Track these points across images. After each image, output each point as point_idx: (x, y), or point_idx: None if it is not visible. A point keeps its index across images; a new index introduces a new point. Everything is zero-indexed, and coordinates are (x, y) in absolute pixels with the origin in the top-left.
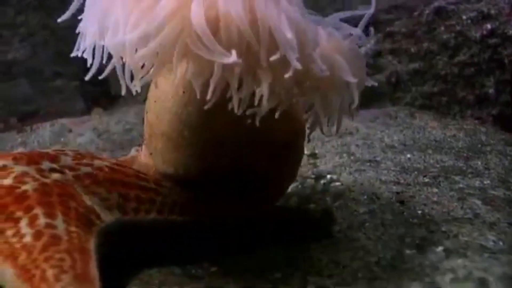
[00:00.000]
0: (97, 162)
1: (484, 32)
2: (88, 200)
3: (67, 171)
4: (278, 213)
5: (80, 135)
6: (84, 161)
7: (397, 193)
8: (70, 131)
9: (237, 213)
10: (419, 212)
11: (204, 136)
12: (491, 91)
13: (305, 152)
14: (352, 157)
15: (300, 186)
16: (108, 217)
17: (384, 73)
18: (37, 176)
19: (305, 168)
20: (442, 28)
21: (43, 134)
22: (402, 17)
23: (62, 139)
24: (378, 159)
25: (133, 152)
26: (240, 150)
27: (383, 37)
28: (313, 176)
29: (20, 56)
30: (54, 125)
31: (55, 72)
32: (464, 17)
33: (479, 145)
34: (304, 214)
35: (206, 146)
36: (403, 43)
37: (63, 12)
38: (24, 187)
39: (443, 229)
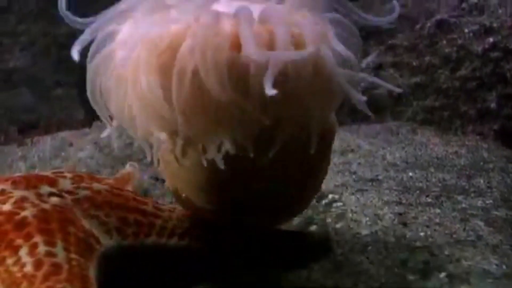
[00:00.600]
0: (95, 185)
1: (486, 46)
2: (87, 224)
3: (66, 195)
4: (276, 237)
5: (80, 149)
6: (83, 184)
7: (400, 214)
8: (71, 145)
9: (236, 237)
10: (422, 234)
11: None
12: (493, 105)
13: None
14: (354, 176)
15: None
16: (107, 241)
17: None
18: (36, 201)
19: None
20: (444, 41)
21: (43, 149)
22: (404, 27)
23: (62, 154)
24: (380, 178)
25: (128, 167)
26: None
27: (385, 50)
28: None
29: (21, 65)
30: (54, 139)
31: (56, 81)
32: (466, 30)
33: (481, 163)
34: (301, 238)
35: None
36: (405, 56)
37: (64, 21)
38: (23, 213)
39: (446, 252)
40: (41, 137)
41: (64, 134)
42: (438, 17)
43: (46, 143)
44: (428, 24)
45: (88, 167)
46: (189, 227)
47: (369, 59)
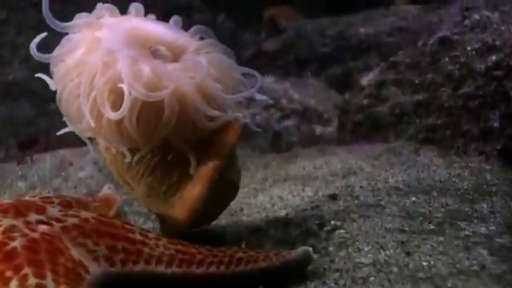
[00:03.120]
0: (83, 214)
1: (489, 64)
2: (76, 253)
3: (54, 222)
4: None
5: (81, 169)
6: (71, 212)
7: (402, 242)
8: (71, 164)
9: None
10: (425, 264)
11: None
12: (496, 124)
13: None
14: (356, 201)
15: (304, 233)
16: (96, 269)
17: (387, 104)
18: (25, 230)
19: (308, 213)
20: (447, 59)
21: (43, 167)
22: (406, 41)
23: (62, 173)
24: (382, 203)
25: (105, 189)
26: None
27: (387, 67)
28: (316, 222)
29: (20, 77)
30: (54, 157)
31: (56, 94)
32: (468, 48)
33: (484, 186)
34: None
35: None
36: (407, 74)
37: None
38: (13, 244)
39: (449, 284)
40: (40, 155)
41: (64, 152)
42: (441, 34)
43: (46, 162)
44: (431, 41)
45: (88, 187)
46: (175, 254)
47: (371, 76)
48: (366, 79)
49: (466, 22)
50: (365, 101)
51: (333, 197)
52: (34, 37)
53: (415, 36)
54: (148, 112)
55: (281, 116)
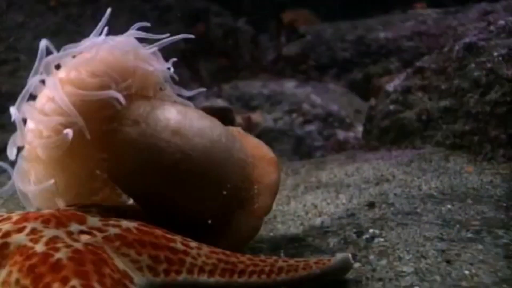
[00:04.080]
0: (124, 223)
1: None
2: (120, 263)
3: (96, 232)
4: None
5: None
6: (111, 221)
7: (443, 251)
8: None
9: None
10: (467, 272)
11: None
12: None
13: (343, 201)
14: (392, 209)
15: (343, 242)
16: (140, 280)
17: (414, 110)
18: (68, 240)
19: (344, 220)
20: (473, 65)
21: None
22: (425, 44)
23: None
24: (418, 210)
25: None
26: None
27: (413, 73)
28: (354, 230)
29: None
30: None
31: None
32: (495, 53)
33: None
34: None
35: None
36: (433, 79)
37: (81, 37)
38: (58, 255)
39: None
40: None
41: None
42: (467, 39)
43: None
44: (457, 47)
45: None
46: (217, 263)
47: (396, 82)
48: (392, 85)
49: (492, 27)
50: (391, 107)
51: (371, 205)
52: (51, 40)
53: (435, 41)
54: None
55: (304, 121)
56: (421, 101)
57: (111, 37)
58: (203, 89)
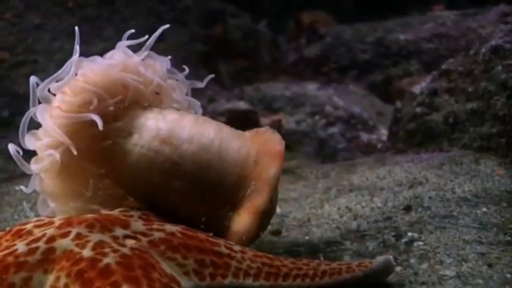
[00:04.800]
0: (168, 227)
1: None
2: (166, 267)
3: (140, 236)
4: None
5: None
6: (155, 226)
7: (482, 254)
8: None
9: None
10: (509, 276)
11: None
12: None
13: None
14: (428, 212)
15: (382, 245)
16: (187, 284)
17: (440, 112)
18: (114, 245)
19: (381, 224)
20: (500, 67)
21: None
22: (445, 46)
23: None
24: (455, 214)
25: None
26: None
27: (439, 75)
28: (392, 233)
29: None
30: None
31: None
32: None
33: None
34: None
35: None
36: (460, 82)
37: (98, 39)
38: (106, 260)
39: None
40: None
41: None
42: (493, 42)
43: None
44: (483, 50)
45: None
46: (261, 267)
47: (423, 85)
48: (418, 87)
49: None
50: (418, 109)
51: (407, 209)
52: (69, 42)
53: (455, 42)
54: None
55: (326, 123)
56: (447, 104)
57: (93, 57)
58: (211, 76)
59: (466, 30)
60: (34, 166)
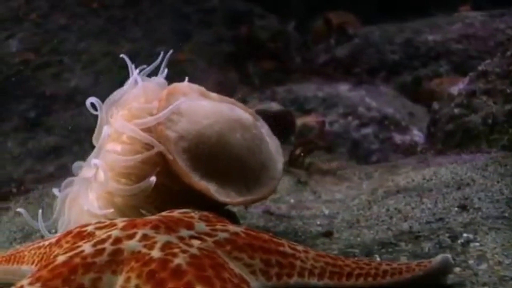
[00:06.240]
0: (231, 228)
1: None
2: (235, 267)
3: (205, 237)
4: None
5: None
6: (218, 226)
7: None
8: None
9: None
10: None
11: None
12: None
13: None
14: (480, 213)
15: (438, 246)
16: (254, 283)
17: (479, 113)
18: (182, 245)
19: (434, 225)
20: None
21: None
22: (474, 47)
23: None
24: (506, 215)
25: None
26: None
27: (476, 76)
28: (447, 235)
29: (82, 84)
30: None
31: None
32: None
33: None
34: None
35: None
36: (498, 83)
37: (123, 39)
38: (177, 260)
39: None
40: None
41: None
42: None
43: None
44: None
45: None
46: (325, 266)
47: (460, 86)
48: (456, 89)
49: None
50: (456, 111)
51: (463, 207)
52: (95, 43)
53: (484, 43)
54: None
55: (359, 124)
56: (485, 105)
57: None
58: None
59: (494, 31)
60: (117, 186)
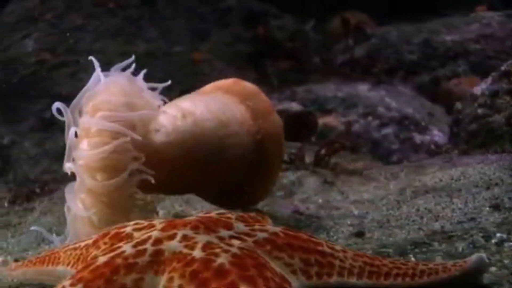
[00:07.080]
0: (270, 228)
1: None
2: (276, 267)
3: (245, 237)
4: None
5: None
6: (257, 226)
7: None
8: None
9: None
10: None
11: None
12: None
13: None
14: (511, 213)
15: (471, 246)
16: (295, 282)
17: (502, 113)
18: (223, 245)
19: (466, 225)
20: None
21: None
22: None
23: None
24: None
25: None
26: None
27: (499, 76)
28: (481, 234)
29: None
30: None
31: None
32: None
33: None
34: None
35: None
36: None
37: (140, 39)
38: (219, 260)
39: None
40: None
41: None
42: None
43: None
44: None
45: None
46: (363, 266)
47: (483, 86)
48: (479, 89)
49: None
50: (479, 111)
51: (496, 207)
52: (110, 43)
53: (502, 43)
54: None
55: (380, 124)
56: (509, 105)
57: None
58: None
59: (511, 31)
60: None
